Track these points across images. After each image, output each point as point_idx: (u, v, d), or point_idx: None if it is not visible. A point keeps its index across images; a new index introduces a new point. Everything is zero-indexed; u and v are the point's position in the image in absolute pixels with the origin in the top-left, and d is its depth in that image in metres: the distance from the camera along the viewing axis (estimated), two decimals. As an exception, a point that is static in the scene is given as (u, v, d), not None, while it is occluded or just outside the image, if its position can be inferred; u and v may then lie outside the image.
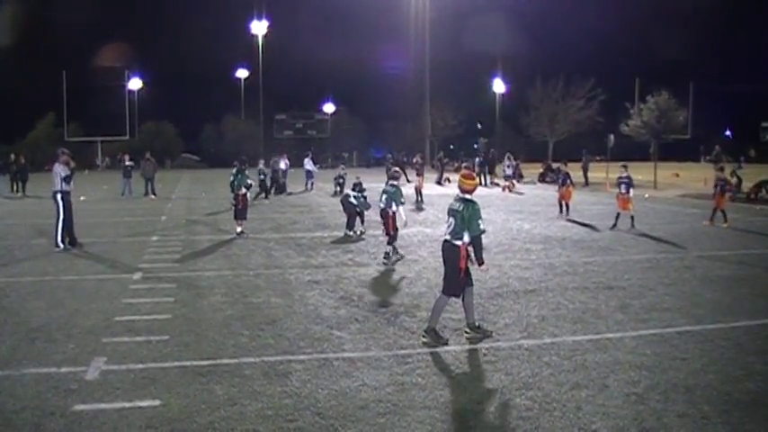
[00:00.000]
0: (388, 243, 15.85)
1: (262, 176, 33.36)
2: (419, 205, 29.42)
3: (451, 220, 9.31)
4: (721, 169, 24.18)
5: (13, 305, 11.58)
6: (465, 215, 9.10)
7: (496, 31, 77.14)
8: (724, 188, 23.08)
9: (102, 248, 17.73)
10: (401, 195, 16.12)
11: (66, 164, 17.84)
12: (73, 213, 17.96)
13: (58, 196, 17.57)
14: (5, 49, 74.44)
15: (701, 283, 13.42)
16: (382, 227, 16.29)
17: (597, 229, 21.28)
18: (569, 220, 23.30)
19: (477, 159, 46.05)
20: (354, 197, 20.15)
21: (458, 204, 9.29)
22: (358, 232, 19.69)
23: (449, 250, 9.30)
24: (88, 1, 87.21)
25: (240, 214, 20.01)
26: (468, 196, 9.36)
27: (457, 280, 9.17)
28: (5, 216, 24.14)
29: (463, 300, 9.39)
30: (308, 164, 41.76)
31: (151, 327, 9.99)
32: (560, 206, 24.67)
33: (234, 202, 20.25)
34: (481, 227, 9.16)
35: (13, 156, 40.59)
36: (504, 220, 23.61)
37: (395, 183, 16.24)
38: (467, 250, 9.21)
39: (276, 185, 36.77)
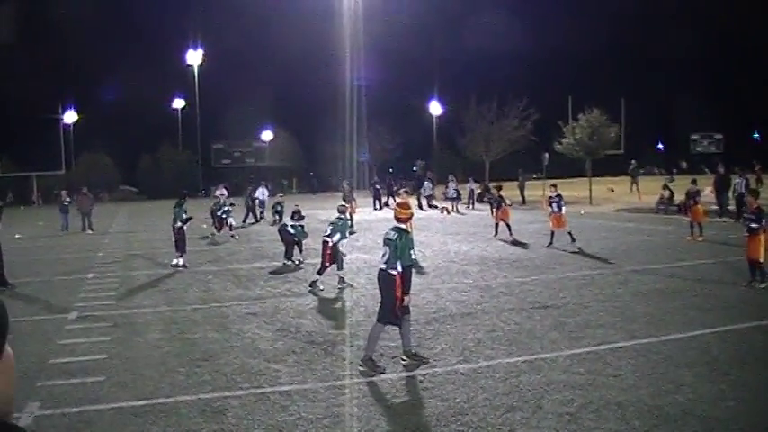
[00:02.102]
0: (318, 272, 15.89)
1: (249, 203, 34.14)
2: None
3: (386, 248, 9.42)
4: (694, 182, 24.28)
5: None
6: (399, 244, 9.21)
7: (430, 54, 77.95)
8: (697, 201, 23.14)
9: (37, 288, 17.43)
10: (347, 228, 16.30)
11: None
12: (2, 253, 17.45)
13: None
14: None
15: (635, 297, 13.71)
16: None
17: (534, 249, 21.56)
18: (504, 241, 23.53)
19: (426, 184, 45.54)
20: (292, 226, 20.11)
21: (392, 233, 9.42)
22: (296, 261, 19.66)
23: (384, 279, 9.40)
24: (21, 30, 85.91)
25: (180, 247, 19.90)
26: (402, 225, 9.48)
27: (393, 308, 9.25)
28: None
29: (400, 327, 9.46)
30: (262, 193, 41.17)
31: (87, 368, 9.87)
32: (496, 228, 24.91)
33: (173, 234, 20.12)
34: (413, 257, 9.27)
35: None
36: (442, 242, 23.77)
37: (341, 216, 16.32)
38: (402, 279, 9.27)
39: (253, 215, 36.79)
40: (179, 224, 19.88)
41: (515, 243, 23.00)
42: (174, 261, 19.70)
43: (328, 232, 16.05)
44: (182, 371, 9.61)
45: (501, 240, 23.68)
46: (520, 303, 13.39)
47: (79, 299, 15.61)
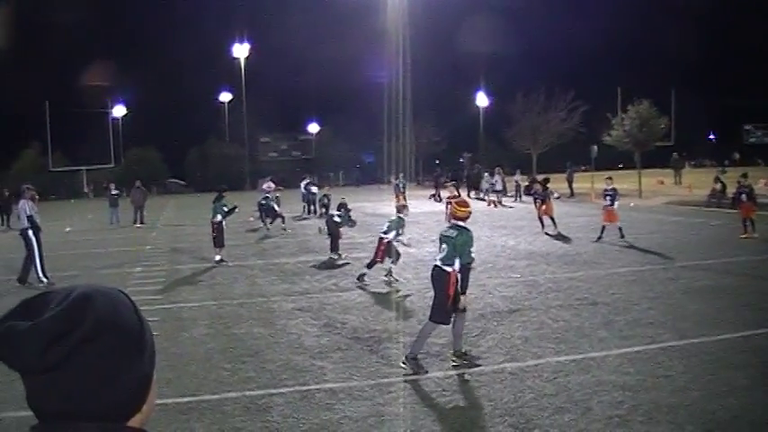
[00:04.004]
0: (368, 266, 15.92)
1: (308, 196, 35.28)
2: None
3: (444, 246, 9.30)
4: (744, 176, 23.35)
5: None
6: (457, 242, 9.10)
7: (477, 46, 77.37)
8: (751, 195, 22.26)
9: (85, 281, 17.52)
10: (403, 226, 16.28)
11: (32, 200, 17.60)
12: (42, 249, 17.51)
13: (29, 233, 17.20)
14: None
15: (686, 294, 13.41)
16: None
17: (582, 243, 21.28)
18: (550, 235, 23.26)
19: (487, 176, 44.12)
20: (339, 215, 20.11)
21: (452, 231, 9.31)
22: (343, 256, 19.61)
23: (438, 276, 9.27)
24: (70, 29, 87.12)
25: (218, 242, 19.89)
26: (461, 223, 9.37)
27: (445, 307, 9.12)
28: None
29: (453, 326, 9.35)
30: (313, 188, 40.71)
31: (132, 364, 9.88)
32: (541, 222, 24.71)
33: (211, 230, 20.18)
34: (472, 255, 9.15)
35: (-1, 189, 40.38)
36: (489, 236, 23.55)
37: (400, 215, 16.40)
38: (456, 277, 9.16)
39: (307, 209, 36.84)
40: (218, 218, 19.84)
41: (561, 237, 22.72)
42: (218, 257, 19.72)
43: (385, 228, 16.12)
44: (227, 367, 9.61)
45: (547, 234, 23.41)
46: (568, 300, 13.18)
47: (126, 293, 15.67)
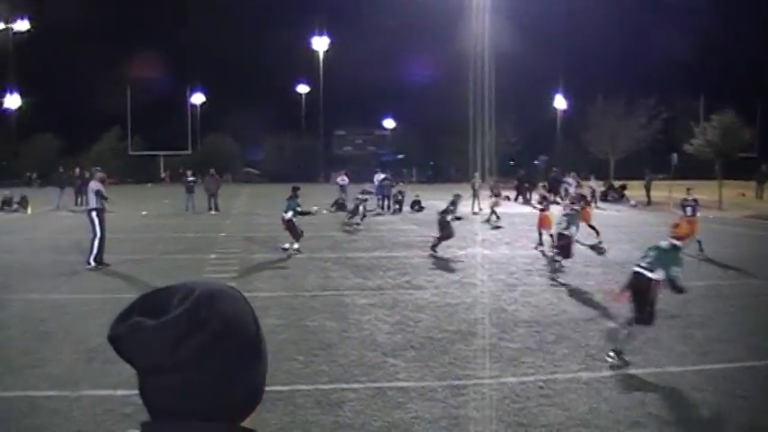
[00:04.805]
0: (564, 256, 16.68)
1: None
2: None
3: (652, 253, 9.78)
4: None
5: (73, 323, 11.75)
6: (668, 256, 9.61)
7: (556, 47, 76.51)
8: None
9: (160, 265, 17.94)
10: (578, 219, 17.22)
11: (102, 182, 17.98)
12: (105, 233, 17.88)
13: (93, 214, 17.61)
14: (75, 64, 76.20)
15: (767, 313, 13.04)
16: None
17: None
18: (587, 245, 22.76)
19: (568, 180, 42.79)
20: (450, 212, 20.44)
21: (666, 244, 9.84)
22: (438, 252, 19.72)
23: (639, 281, 9.65)
24: (152, 17, 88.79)
25: (294, 236, 19.85)
26: (677, 243, 9.90)
27: (645, 311, 9.49)
28: (72, 230, 24.47)
29: (630, 326, 9.67)
30: (377, 179, 40.42)
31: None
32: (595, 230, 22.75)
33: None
34: (677, 274, 9.51)
35: (78, 170, 41.39)
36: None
37: (574, 207, 17.28)
38: (658, 286, 9.53)
39: (382, 204, 36.40)
40: (289, 215, 19.72)
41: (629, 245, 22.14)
42: (296, 246, 19.75)
43: (564, 225, 16.69)
44: (299, 359, 9.65)
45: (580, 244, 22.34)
46: (644, 311, 12.90)
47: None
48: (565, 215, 16.94)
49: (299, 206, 20.20)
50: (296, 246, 19.81)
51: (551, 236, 19.73)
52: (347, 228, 26.89)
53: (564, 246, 16.45)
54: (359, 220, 28.08)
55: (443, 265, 18.24)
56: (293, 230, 19.86)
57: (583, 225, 20.92)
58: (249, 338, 1.47)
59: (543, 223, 21.11)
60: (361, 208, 28.41)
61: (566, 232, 16.35)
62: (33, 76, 74.18)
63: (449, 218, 20.06)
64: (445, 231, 19.95)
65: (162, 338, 1.35)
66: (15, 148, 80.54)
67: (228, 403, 1.43)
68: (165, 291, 1.46)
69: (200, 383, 1.38)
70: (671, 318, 12.30)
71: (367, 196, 29.45)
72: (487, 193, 33.27)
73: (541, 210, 21.51)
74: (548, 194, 24.73)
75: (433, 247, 19.69)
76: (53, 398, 8.08)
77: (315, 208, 20.83)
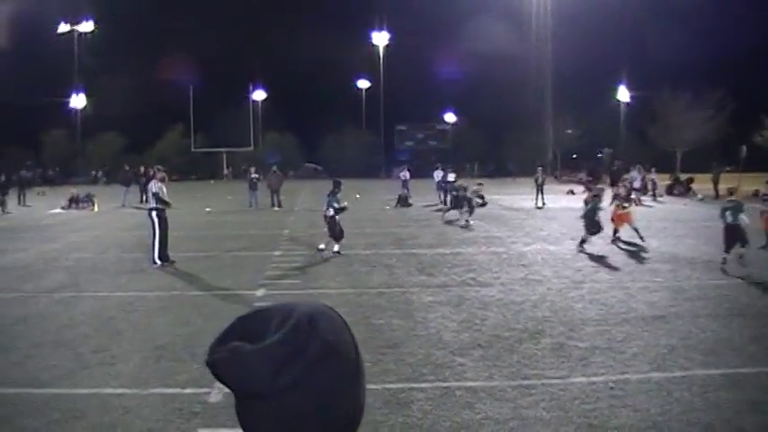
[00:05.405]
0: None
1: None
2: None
3: None
4: None
5: (141, 321, 11.97)
6: None
7: (620, 39, 75.44)
8: None
9: (225, 262, 18.18)
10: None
11: (162, 181, 18.20)
12: (168, 230, 18.09)
13: (153, 213, 17.86)
14: (140, 62, 77.62)
15: None
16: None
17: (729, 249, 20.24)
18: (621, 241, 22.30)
19: (633, 174, 41.12)
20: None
21: None
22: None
23: None
24: (213, 15, 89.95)
25: (332, 234, 19.20)
26: None
27: None
28: (137, 227, 24.84)
29: None
30: (450, 176, 40.00)
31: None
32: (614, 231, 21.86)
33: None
34: None
35: (142, 168, 42.18)
36: (630, 237, 22.79)
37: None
38: None
39: (444, 200, 35.66)
40: (330, 212, 19.16)
41: (707, 242, 21.66)
42: (336, 247, 19.20)
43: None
44: (366, 358, 9.51)
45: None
46: (715, 309, 12.60)
47: (266, 276, 16.11)
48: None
49: (338, 202, 19.48)
50: (336, 248, 19.15)
51: (635, 229, 20.78)
52: (456, 225, 26.70)
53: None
54: (468, 217, 26.98)
55: (508, 261, 18.12)
56: (333, 229, 19.20)
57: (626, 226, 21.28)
58: (349, 362, 1.45)
59: (623, 219, 21.00)
60: (472, 202, 27.62)
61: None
62: (97, 76, 75.91)
63: (597, 216, 20.20)
64: (594, 227, 19.94)
65: (262, 365, 1.34)
66: (81, 146, 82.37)
67: (329, 428, 1.41)
68: (263, 313, 1.46)
69: (300, 409, 1.37)
70: (741, 316, 12.07)
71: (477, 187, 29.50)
72: (560, 187, 32.83)
73: (624, 207, 21.34)
74: (629, 191, 23.89)
75: (581, 242, 20.17)
76: (124, 396, 8.23)
77: (345, 203, 20.09)
